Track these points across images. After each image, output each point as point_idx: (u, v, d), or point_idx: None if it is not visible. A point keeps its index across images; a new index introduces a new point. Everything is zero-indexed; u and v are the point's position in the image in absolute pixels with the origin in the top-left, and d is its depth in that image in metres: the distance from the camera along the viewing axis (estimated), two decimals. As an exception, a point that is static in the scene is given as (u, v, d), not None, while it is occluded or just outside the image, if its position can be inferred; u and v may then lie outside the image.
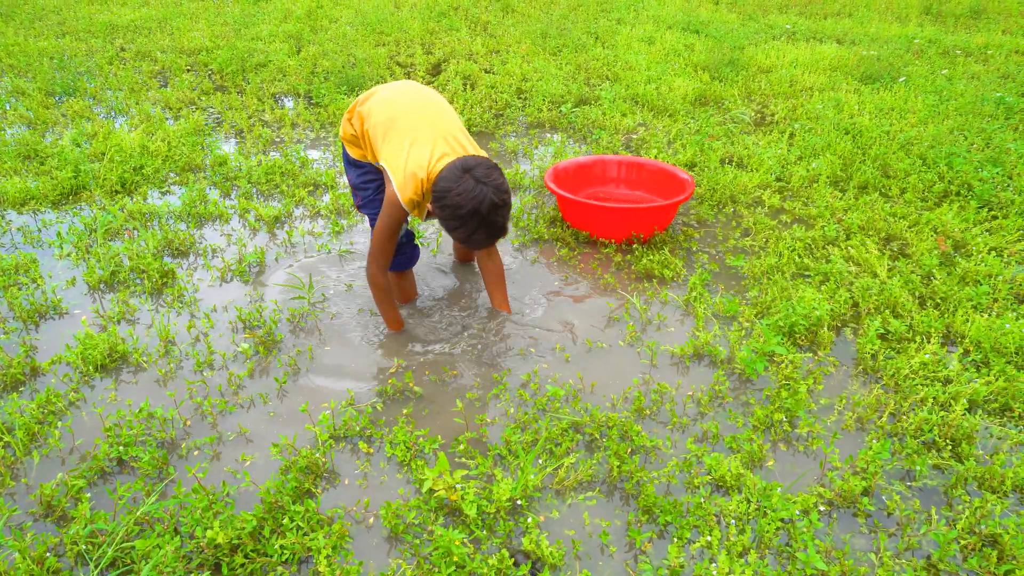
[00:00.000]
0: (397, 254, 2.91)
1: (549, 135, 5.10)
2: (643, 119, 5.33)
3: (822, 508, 2.10)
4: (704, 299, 3.11)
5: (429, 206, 2.45)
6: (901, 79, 6.22)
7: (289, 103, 5.72)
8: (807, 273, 3.35)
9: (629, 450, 2.30)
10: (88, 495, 2.07)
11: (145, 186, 4.13)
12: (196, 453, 2.29)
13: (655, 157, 4.51)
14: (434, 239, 3.62)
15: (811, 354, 2.79)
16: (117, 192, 4.06)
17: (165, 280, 3.21)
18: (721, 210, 4.00)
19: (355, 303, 3.10)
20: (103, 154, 4.39)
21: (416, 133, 2.48)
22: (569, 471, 2.19)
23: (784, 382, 2.62)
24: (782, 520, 2.04)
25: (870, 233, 3.69)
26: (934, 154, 4.53)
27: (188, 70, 6.44)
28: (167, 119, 5.17)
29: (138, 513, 1.95)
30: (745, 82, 6.20)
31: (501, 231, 2.36)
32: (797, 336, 2.88)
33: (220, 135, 4.98)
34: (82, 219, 3.68)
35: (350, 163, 2.86)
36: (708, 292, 3.19)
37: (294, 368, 2.69)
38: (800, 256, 3.47)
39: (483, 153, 2.51)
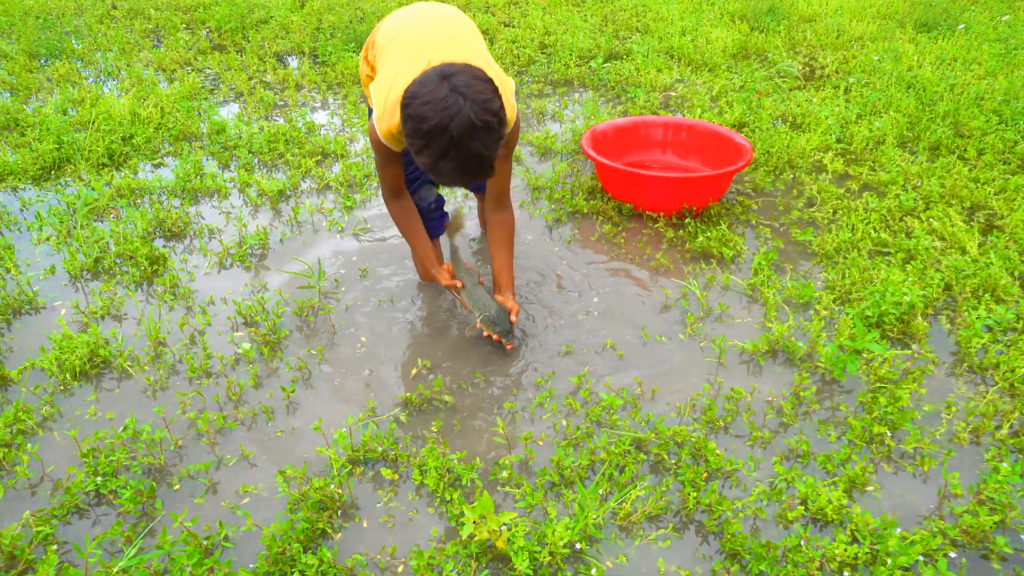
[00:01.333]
0: (424, 219, 2.51)
1: (579, 93, 4.64)
2: (681, 75, 4.84)
3: (951, 554, 1.72)
4: (773, 283, 2.70)
5: None
6: (960, 27, 5.67)
7: (293, 63, 5.26)
8: (887, 250, 2.93)
9: (704, 474, 1.92)
10: (55, 545, 1.72)
11: (135, 158, 3.73)
12: (180, 488, 1.93)
13: (699, 117, 4.05)
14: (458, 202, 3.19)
15: (907, 350, 2.39)
16: (104, 165, 3.66)
17: (155, 267, 2.83)
18: (779, 176, 3.56)
19: (371, 292, 2.71)
20: (91, 122, 3.98)
21: (412, 53, 1.98)
22: (636, 504, 1.82)
23: (878, 384, 2.22)
24: (902, 568, 1.66)
25: (952, 202, 3.24)
26: (1011, 110, 4.04)
27: (184, 28, 5.97)
28: (160, 82, 4.74)
29: (115, 570, 1.59)
30: (788, 32, 5.67)
31: (480, 166, 1.75)
32: (886, 327, 2.47)
33: (218, 99, 4.55)
34: (64, 197, 3.29)
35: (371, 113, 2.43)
36: (776, 274, 2.77)
37: (303, 373, 2.32)
38: (876, 230, 3.04)
39: (509, 81, 2.07)
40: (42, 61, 5.16)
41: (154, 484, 1.91)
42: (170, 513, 1.73)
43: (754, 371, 2.32)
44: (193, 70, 5.05)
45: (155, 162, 3.74)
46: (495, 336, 2.31)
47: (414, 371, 2.32)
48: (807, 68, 5.06)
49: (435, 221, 2.61)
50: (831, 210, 3.22)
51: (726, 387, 2.23)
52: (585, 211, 3.23)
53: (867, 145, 3.82)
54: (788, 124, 4.07)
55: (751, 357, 2.37)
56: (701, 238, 2.91)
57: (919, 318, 2.48)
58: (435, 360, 2.36)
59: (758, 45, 5.35)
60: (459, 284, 2.32)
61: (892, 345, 2.42)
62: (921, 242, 2.87)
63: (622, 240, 3.01)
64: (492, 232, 2.35)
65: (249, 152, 3.75)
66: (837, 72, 4.89)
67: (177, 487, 1.92)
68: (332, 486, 1.85)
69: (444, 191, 2.86)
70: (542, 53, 5.23)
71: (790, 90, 4.57)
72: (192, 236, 3.09)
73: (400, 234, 2.35)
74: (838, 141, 3.89)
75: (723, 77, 4.75)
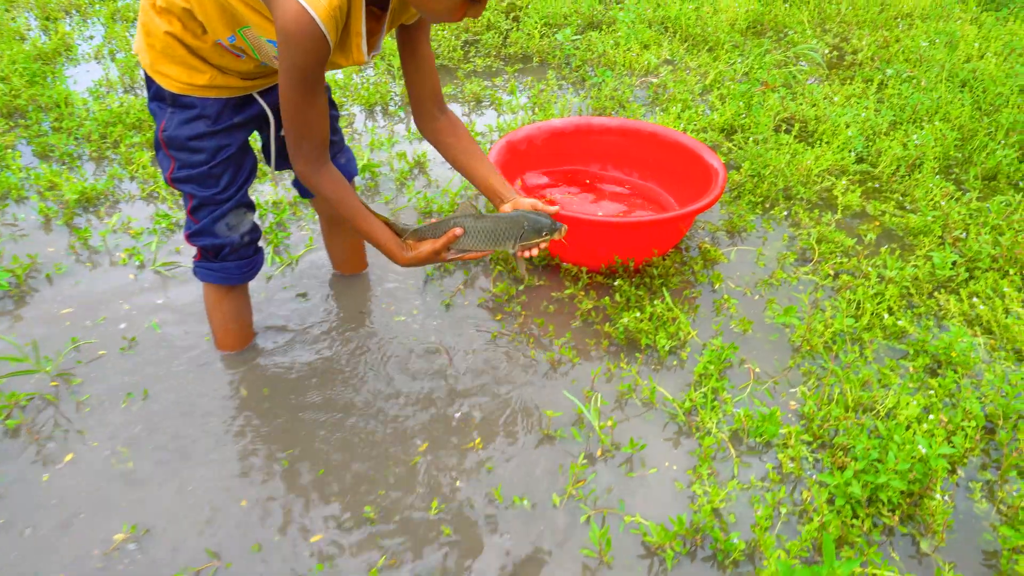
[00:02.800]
0: (230, 256, 1.74)
1: (534, 74, 3.66)
2: (672, 53, 3.83)
3: None
4: (720, 405, 1.78)
5: None
6: (1039, 5, 4.53)
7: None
8: (903, 347, 1.99)
9: None
10: None
11: (-65, 138, 2.89)
12: None
13: (679, 114, 3.07)
14: (289, 241, 2.31)
15: (908, 573, 1.47)
16: None
17: None
18: (768, 211, 2.60)
19: (131, 375, 1.86)
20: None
21: None
22: None
23: (854, 632, 1.33)
24: None
25: (1008, 269, 2.27)
26: (1102, 126, 3.00)
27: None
28: (30, 33, 3.87)
29: None
30: (819, 3, 4.58)
31: None
32: (880, 505, 1.55)
33: (87, 61, 3.66)
34: None
35: (163, 100, 1.55)
36: (730, 385, 1.86)
37: (-54, 532, 1.49)
38: (892, 311, 2.09)
39: None
40: (-94, 1, 4.31)
41: None
42: None
43: (656, 579, 1.43)
44: (81, 17, 4.16)
45: (-40, 145, 2.90)
46: (550, 241, 1.57)
47: (120, 537, 1.48)
48: (835, 52, 4.00)
49: (247, 260, 1.76)
50: (831, 272, 2.27)
51: (598, 619, 1.36)
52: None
53: (898, 169, 2.83)
54: (795, 132, 3.07)
55: (651, 554, 1.47)
56: (627, 318, 1.98)
57: (938, 494, 1.55)
58: (161, 517, 1.52)
59: (778, 18, 4.29)
60: (457, 232, 1.52)
61: (887, 540, 1.51)
62: (956, 341, 1.92)
63: (517, 308, 2.10)
64: (449, 138, 1.66)
65: (74, 139, 2.88)
66: (872, 60, 3.83)
67: None
68: None
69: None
70: (508, 18, 4.23)
71: (807, 81, 3.55)
72: (-63, 263, 2.26)
73: (344, 217, 1.53)
74: (859, 160, 2.90)
75: (724, 60, 3.73)
